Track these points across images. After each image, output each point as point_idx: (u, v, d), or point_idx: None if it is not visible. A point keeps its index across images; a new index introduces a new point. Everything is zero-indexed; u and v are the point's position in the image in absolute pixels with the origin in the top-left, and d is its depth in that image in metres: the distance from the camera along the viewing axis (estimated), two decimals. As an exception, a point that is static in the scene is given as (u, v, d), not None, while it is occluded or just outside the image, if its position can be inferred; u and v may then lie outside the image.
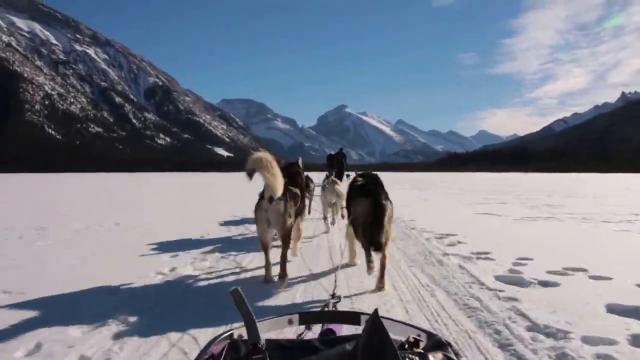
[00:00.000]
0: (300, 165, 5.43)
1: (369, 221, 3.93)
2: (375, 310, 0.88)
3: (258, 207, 4.18)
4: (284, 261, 4.27)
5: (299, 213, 4.94)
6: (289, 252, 4.43)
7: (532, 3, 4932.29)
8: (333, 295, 1.63)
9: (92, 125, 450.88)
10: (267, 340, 1.02)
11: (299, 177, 4.99)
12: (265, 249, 4.33)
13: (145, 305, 3.48)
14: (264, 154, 3.94)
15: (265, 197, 4.05)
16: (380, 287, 3.98)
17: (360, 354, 0.83)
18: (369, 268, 4.02)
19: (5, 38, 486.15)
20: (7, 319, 3.14)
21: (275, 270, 4.32)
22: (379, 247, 3.84)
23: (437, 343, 0.96)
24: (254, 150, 3.93)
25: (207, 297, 3.76)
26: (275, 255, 4.54)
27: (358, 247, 4.56)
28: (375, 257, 4.00)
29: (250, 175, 3.93)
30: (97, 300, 3.64)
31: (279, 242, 4.45)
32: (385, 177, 5.35)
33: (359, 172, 4.85)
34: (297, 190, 4.66)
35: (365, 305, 3.49)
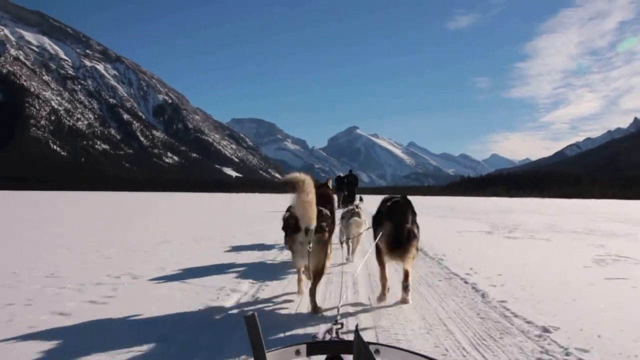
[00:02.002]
0: (330, 187, 5.21)
1: (395, 237, 3.80)
2: (357, 331, 0.86)
3: (292, 240, 3.92)
4: (313, 295, 3.92)
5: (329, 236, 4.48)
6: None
7: (545, 28, 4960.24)
8: (336, 322, 1.55)
9: (98, 143, 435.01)
10: None
11: (330, 200, 4.72)
12: (300, 274, 4.09)
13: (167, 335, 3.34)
14: (305, 177, 3.67)
15: (301, 229, 3.79)
16: (405, 299, 3.94)
17: None
18: (382, 295, 3.99)
19: (13, 52, 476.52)
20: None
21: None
22: (404, 248, 3.67)
23: None
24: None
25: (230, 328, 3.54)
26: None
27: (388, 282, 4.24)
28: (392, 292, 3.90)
29: (283, 185, 3.70)
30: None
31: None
32: (417, 203, 4.72)
33: (388, 196, 4.56)
34: (329, 214, 4.35)
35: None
